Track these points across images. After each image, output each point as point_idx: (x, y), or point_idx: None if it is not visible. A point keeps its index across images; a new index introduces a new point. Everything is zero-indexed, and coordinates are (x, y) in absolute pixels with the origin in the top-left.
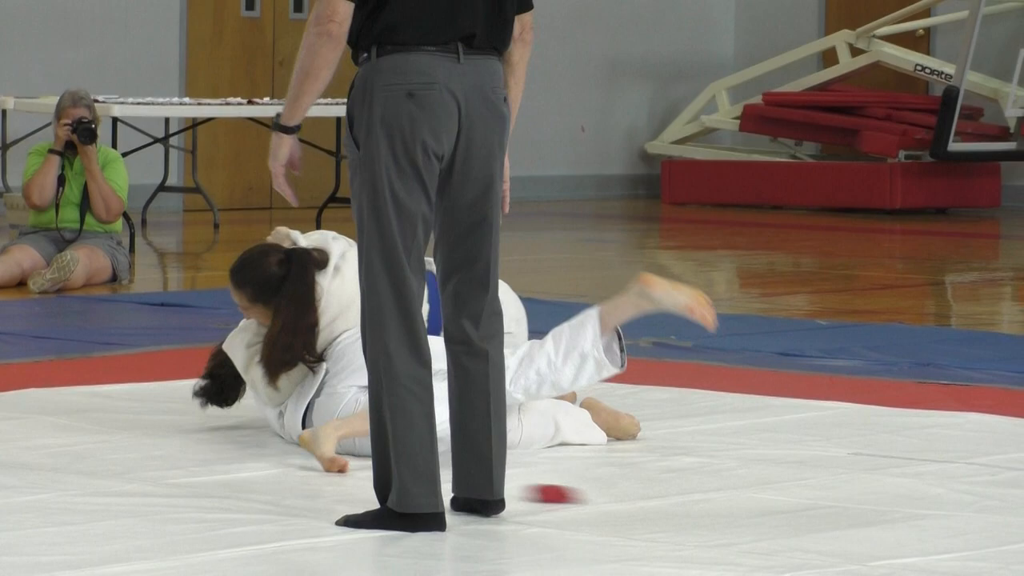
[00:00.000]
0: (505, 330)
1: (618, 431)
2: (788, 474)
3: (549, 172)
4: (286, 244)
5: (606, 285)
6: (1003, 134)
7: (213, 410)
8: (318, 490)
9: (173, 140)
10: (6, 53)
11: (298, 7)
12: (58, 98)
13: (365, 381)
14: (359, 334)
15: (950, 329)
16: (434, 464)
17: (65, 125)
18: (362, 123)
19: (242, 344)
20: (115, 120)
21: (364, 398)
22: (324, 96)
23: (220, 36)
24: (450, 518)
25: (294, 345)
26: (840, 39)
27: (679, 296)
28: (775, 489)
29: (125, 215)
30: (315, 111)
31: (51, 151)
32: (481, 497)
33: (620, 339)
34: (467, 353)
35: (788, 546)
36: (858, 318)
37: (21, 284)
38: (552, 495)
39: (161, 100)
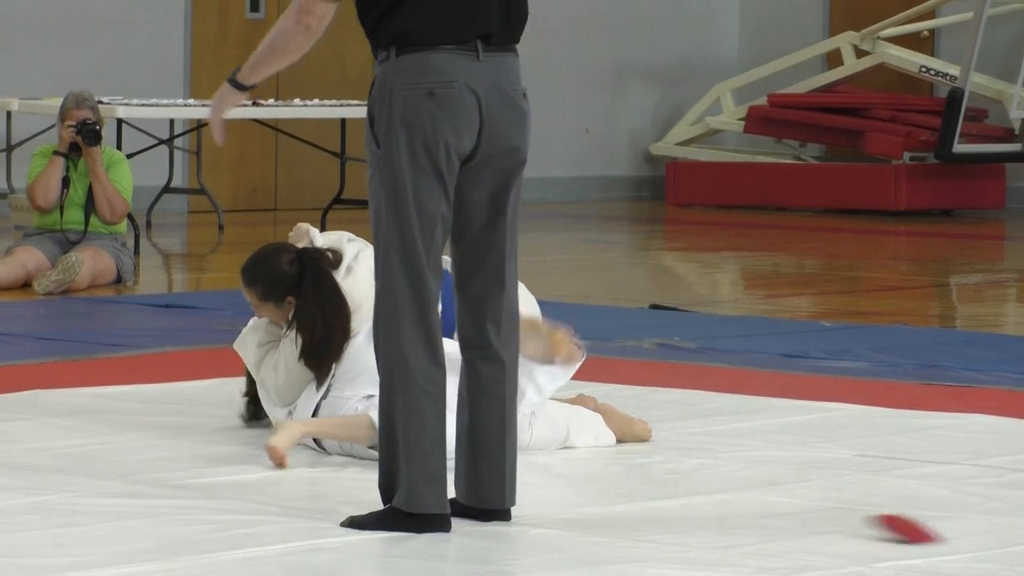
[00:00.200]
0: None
1: (631, 436)
2: (793, 475)
3: (554, 173)
4: (304, 241)
5: (610, 286)
6: (1008, 136)
7: (217, 411)
8: (323, 492)
9: (178, 141)
10: (10, 54)
11: None
12: (62, 100)
13: (370, 389)
14: (370, 336)
15: (954, 331)
16: (443, 465)
17: (69, 127)
18: (382, 122)
19: (253, 343)
20: (119, 121)
21: (363, 408)
22: (328, 97)
23: (224, 37)
24: (454, 520)
25: (334, 339)
26: (844, 41)
27: (540, 348)
28: (780, 490)
29: (130, 216)
30: (319, 112)
31: (55, 153)
32: (491, 507)
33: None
34: (483, 358)
35: (793, 547)
36: (862, 319)
37: (26, 286)
38: (906, 529)
39: (165, 102)
